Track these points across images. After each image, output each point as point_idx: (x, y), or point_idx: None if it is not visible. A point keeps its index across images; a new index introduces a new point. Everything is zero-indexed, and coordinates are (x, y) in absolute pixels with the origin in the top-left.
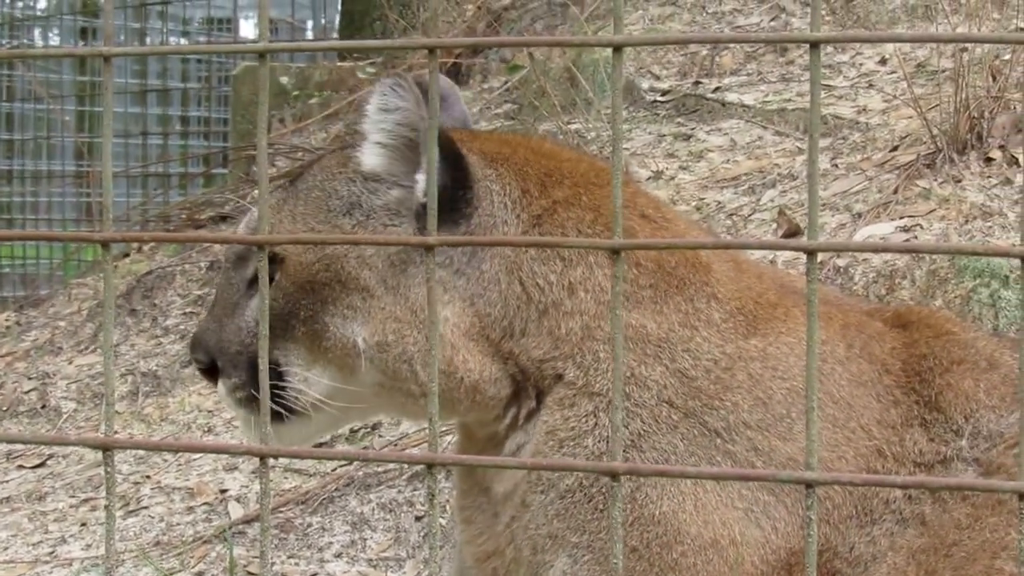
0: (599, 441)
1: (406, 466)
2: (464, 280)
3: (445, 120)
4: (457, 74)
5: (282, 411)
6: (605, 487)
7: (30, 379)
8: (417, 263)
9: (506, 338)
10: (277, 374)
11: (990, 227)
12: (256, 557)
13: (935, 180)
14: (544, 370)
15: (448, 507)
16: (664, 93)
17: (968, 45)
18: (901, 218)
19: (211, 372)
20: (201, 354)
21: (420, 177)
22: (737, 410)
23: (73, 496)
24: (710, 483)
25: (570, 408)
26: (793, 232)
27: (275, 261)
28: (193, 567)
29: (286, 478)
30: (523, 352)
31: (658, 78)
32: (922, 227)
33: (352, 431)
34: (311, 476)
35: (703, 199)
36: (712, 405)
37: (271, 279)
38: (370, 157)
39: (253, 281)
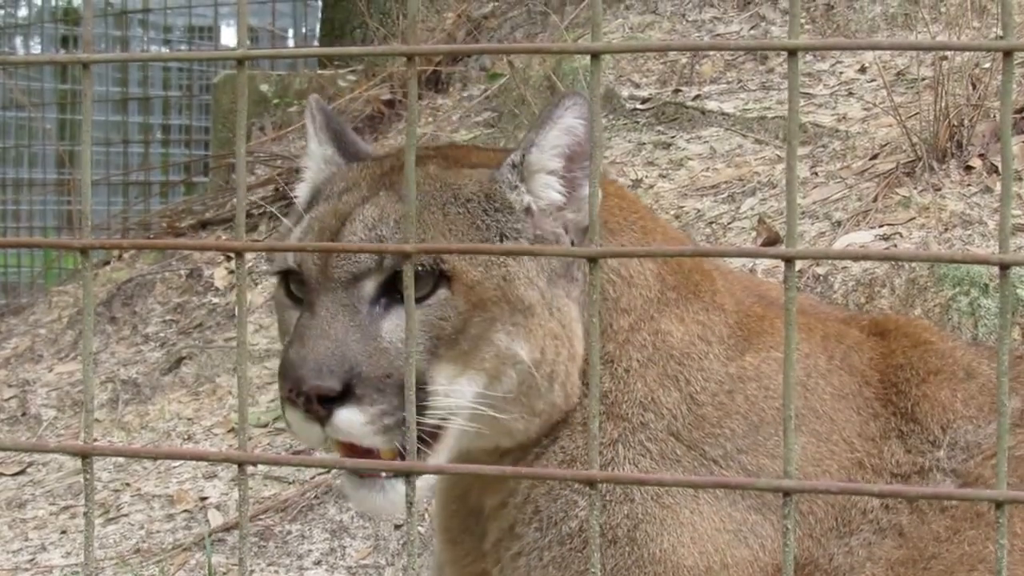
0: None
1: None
2: (578, 293)
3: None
4: (437, 82)
5: (424, 428)
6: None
7: (10, 387)
8: (560, 274)
9: None
10: (424, 393)
11: (970, 235)
12: (235, 565)
13: (915, 188)
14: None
15: (427, 515)
16: (644, 101)
17: (948, 53)
18: (881, 226)
19: (334, 401)
20: (335, 381)
21: (586, 191)
22: (734, 437)
23: (53, 503)
24: (706, 509)
25: None
26: (773, 240)
27: (442, 279)
28: (173, 574)
29: (265, 486)
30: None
31: (638, 86)
32: (902, 235)
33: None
34: (290, 484)
35: (683, 207)
36: (712, 434)
37: (431, 292)
38: (550, 192)
39: (376, 300)
